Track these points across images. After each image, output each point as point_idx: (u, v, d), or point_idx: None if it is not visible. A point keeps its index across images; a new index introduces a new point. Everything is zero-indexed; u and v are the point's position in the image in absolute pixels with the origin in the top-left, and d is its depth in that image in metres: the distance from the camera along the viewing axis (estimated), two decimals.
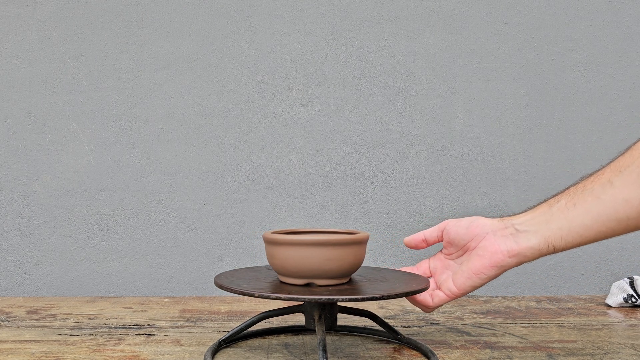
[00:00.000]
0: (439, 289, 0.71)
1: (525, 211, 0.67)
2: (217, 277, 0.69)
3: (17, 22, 1.09)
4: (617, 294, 0.97)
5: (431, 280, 0.73)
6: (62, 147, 1.09)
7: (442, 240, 0.73)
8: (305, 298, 0.59)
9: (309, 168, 1.11)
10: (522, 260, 0.65)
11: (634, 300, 0.96)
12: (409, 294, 0.63)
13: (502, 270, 0.66)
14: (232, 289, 0.63)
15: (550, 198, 0.66)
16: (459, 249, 0.71)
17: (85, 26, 1.10)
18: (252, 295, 0.61)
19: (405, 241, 0.75)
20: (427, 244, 0.74)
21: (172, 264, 1.10)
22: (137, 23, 1.10)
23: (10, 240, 1.09)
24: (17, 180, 1.09)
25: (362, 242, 0.67)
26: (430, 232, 0.73)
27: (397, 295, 0.62)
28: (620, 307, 0.97)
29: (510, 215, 0.68)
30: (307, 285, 0.65)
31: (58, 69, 1.09)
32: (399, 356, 0.69)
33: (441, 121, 1.13)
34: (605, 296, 1.02)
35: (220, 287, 0.65)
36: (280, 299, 0.60)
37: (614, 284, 0.99)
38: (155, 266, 1.10)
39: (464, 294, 0.69)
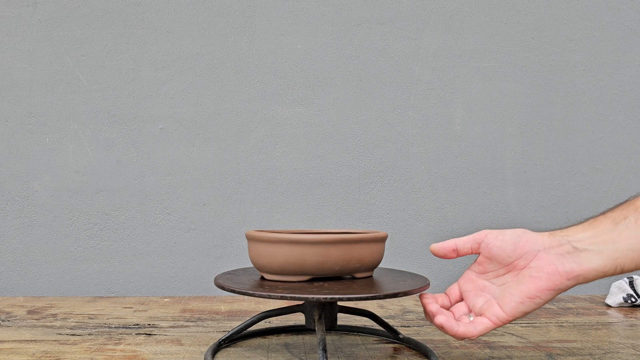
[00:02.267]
0: (481, 315, 0.61)
1: (579, 224, 0.60)
2: (217, 277, 0.69)
3: (18, 22, 1.09)
4: (617, 293, 0.97)
5: (462, 305, 0.65)
6: (63, 147, 1.09)
7: (476, 253, 0.64)
8: (305, 298, 0.59)
9: (309, 168, 1.11)
10: (581, 282, 0.58)
11: (633, 300, 0.96)
12: (409, 294, 0.63)
13: (558, 292, 0.59)
14: (232, 289, 0.63)
15: (611, 211, 0.59)
16: (501, 267, 0.62)
17: (85, 26, 1.10)
18: (252, 295, 0.61)
19: (433, 249, 0.65)
20: (458, 254, 0.64)
21: (172, 264, 1.10)
22: (137, 23, 1.10)
23: (10, 240, 1.09)
24: (17, 180, 1.09)
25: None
26: (464, 242, 0.64)
27: (397, 295, 0.62)
28: (619, 307, 0.97)
29: (562, 229, 0.61)
30: (310, 280, 0.66)
31: (58, 69, 1.09)
32: (399, 356, 0.69)
33: (441, 121, 1.13)
34: (605, 296, 1.02)
35: (221, 287, 0.65)
36: (280, 298, 0.60)
37: (613, 283, 0.99)
38: (155, 266, 1.10)
39: (513, 320, 0.61)
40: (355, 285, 0.65)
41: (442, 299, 0.65)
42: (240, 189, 1.11)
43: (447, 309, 0.65)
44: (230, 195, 1.11)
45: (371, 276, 0.71)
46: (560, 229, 0.61)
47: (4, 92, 1.09)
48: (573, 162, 1.14)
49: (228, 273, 0.73)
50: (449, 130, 1.13)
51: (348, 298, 0.60)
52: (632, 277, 0.98)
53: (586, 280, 0.58)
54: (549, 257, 0.59)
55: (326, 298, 0.59)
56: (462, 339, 0.61)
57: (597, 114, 1.14)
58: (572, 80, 1.14)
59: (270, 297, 0.60)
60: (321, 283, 0.66)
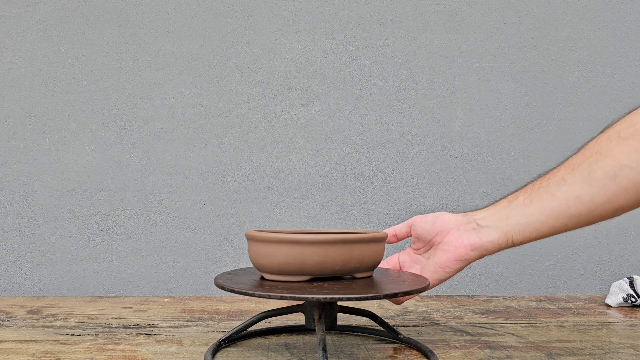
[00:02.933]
0: None
1: (486, 207, 0.71)
2: (217, 277, 0.69)
3: (18, 22, 1.09)
4: (617, 293, 0.97)
5: None
6: (63, 147, 1.09)
7: (410, 236, 0.76)
8: (305, 298, 0.59)
9: (309, 168, 1.11)
10: (484, 254, 0.69)
11: (633, 300, 0.96)
12: (409, 294, 0.63)
13: (466, 263, 0.70)
14: (232, 289, 0.63)
15: (510, 194, 0.70)
16: (426, 244, 0.74)
17: (85, 26, 1.10)
18: (252, 295, 0.61)
19: None
20: (398, 238, 0.77)
21: (172, 264, 1.10)
22: (137, 23, 1.10)
23: (10, 240, 1.09)
24: (17, 180, 1.09)
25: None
26: (400, 228, 0.76)
27: (397, 295, 0.62)
28: (619, 307, 0.97)
29: (473, 211, 0.72)
30: (311, 280, 0.66)
31: (58, 69, 1.09)
32: (399, 356, 0.69)
33: (441, 121, 1.13)
34: (605, 296, 1.02)
35: (221, 287, 0.65)
36: (280, 298, 0.60)
37: (613, 283, 0.99)
38: (155, 266, 1.10)
39: (432, 287, 0.71)
40: (355, 285, 0.65)
41: (382, 264, 0.78)
42: (240, 189, 1.11)
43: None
44: (230, 195, 1.11)
45: (371, 276, 0.71)
46: (472, 210, 0.72)
47: (4, 92, 1.09)
48: None
49: (228, 273, 0.73)
50: (449, 130, 1.13)
51: (348, 298, 0.60)
52: (632, 277, 0.98)
53: (487, 251, 0.69)
54: (457, 233, 0.70)
55: (326, 298, 0.59)
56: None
57: (597, 114, 1.14)
58: (572, 80, 1.14)
59: (270, 297, 0.60)
60: (321, 283, 0.66)
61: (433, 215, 0.74)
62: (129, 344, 0.73)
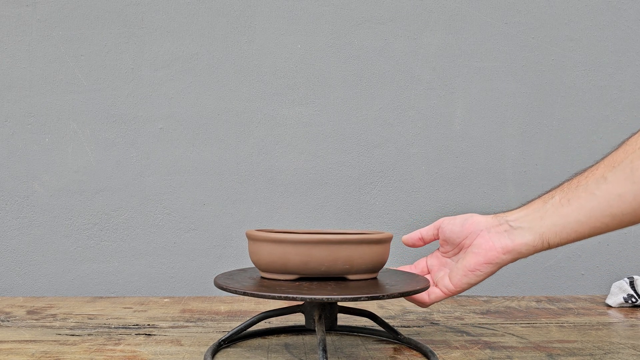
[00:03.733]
0: (436, 286, 0.71)
1: (519, 207, 0.68)
2: (217, 277, 0.69)
3: (17, 22, 1.09)
4: (617, 294, 0.97)
5: (428, 277, 0.74)
6: (62, 147, 1.09)
7: (438, 238, 0.73)
8: (305, 298, 0.59)
9: (309, 168, 1.11)
10: (517, 257, 0.66)
11: (634, 300, 0.96)
12: (409, 294, 0.63)
13: (497, 267, 0.67)
14: (232, 289, 0.63)
15: (544, 194, 0.67)
16: (455, 247, 0.71)
17: (85, 26, 1.10)
18: (252, 295, 0.61)
19: (403, 239, 0.75)
20: (424, 242, 0.74)
21: (172, 264, 1.10)
22: (137, 23, 1.10)
23: (10, 240, 1.09)
24: (17, 180, 1.09)
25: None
26: (427, 230, 0.74)
27: (397, 295, 0.62)
28: (620, 307, 0.97)
29: (505, 212, 0.68)
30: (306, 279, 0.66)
31: (58, 69, 1.09)
32: (399, 356, 0.69)
33: (441, 121, 1.13)
34: (605, 296, 1.02)
35: (220, 287, 0.65)
36: (280, 299, 0.60)
37: (614, 284, 0.99)
38: (155, 266, 1.10)
39: (460, 291, 0.69)
40: (355, 286, 0.65)
41: (406, 268, 0.76)
42: (240, 189, 1.11)
43: None
44: (230, 195, 1.11)
45: (369, 279, 0.69)
46: (503, 211, 0.69)
47: (3, 92, 1.09)
48: (573, 162, 1.14)
49: (228, 273, 0.73)
50: (449, 130, 1.13)
51: (348, 298, 0.60)
52: (632, 278, 0.98)
53: (520, 254, 0.66)
54: (488, 235, 0.67)
55: (326, 298, 0.59)
56: (416, 302, 0.72)
57: (597, 114, 1.14)
58: (572, 80, 1.14)
59: (270, 297, 0.60)
60: (321, 283, 0.66)
61: (462, 216, 0.71)
62: (128, 344, 0.73)
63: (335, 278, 0.67)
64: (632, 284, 0.97)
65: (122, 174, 1.10)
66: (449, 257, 0.73)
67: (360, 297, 0.60)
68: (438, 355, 0.69)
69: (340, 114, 1.12)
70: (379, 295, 0.61)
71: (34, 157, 1.09)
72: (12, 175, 1.09)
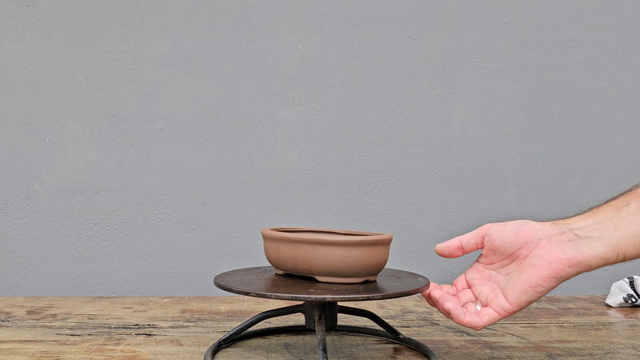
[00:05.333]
0: (487, 305, 0.62)
1: (582, 213, 0.60)
2: (217, 277, 0.69)
3: (17, 22, 1.09)
4: (617, 294, 0.97)
5: (468, 292, 0.65)
6: (62, 147, 1.09)
7: (481, 248, 0.64)
8: (305, 298, 0.59)
9: (309, 168, 1.11)
10: (583, 270, 0.59)
11: (634, 300, 0.96)
12: (409, 294, 0.63)
13: (560, 281, 0.60)
14: (232, 289, 0.63)
15: (614, 200, 0.59)
16: (505, 257, 0.62)
17: (85, 26, 1.10)
18: (252, 295, 0.61)
19: (437, 249, 0.66)
20: (464, 251, 0.65)
21: (172, 264, 1.10)
22: (137, 23, 1.10)
23: (10, 240, 1.09)
24: (17, 180, 1.09)
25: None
26: (468, 239, 0.64)
27: (397, 295, 0.62)
28: (620, 307, 0.97)
29: (565, 219, 0.61)
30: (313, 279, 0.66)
31: (58, 69, 1.09)
32: (399, 356, 0.69)
33: (441, 121, 1.13)
34: (605, 296, 1.02)
35: (221, 287, 0.65)
36: (280, 298, 0.60)
37: (614, 284, 0.99)
38: (155, 266, 1.10)
39: (518, 310, 0.61)
40: (356, 286, 0.65)
41: (448, 288, 0.66)
42: (240, 189, 1.11)
43: (454, 295, 0.65)
44: (230, 195, 1.11)
45: (354, 283, 0.66)
46: (563, 218, 0.61)
47: (3, 92, 1.09)
48: (573, 162, 1.14)
49: (228, 273, 0.73)
50: (449, 130, 1.13)
51: (348, 298, 0.60)
52: (632, 278, 0.98)
53: (589, 267, 0.58)
54: (550, 245, 0.59)
55: (326, 298, 0.59)
56: (468, 327, 0.61)
57: (597, 114, 1.14)
58: (572, 80, 1.14)
59: (269, 297, 0.60)
60: (321, 283, 0.66)
61: (513, 223, 0.62)
62: (128, 344, 0.73)
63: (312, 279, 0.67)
64: (632, 284, 0.97)
65: (122, 174, 1.10)
66: (495, 270, 0.64)
67: (360, 297, 0.60)
68: (438, 355, 0.69)
69: (340, 114, 1.12)
70: (379, 295, 0.61)
71: (34, 157, 1.09)
72: (12, 175, 1.09)
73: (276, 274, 0.72)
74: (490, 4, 1.13)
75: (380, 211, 1.12)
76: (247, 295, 0.61)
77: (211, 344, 0.70)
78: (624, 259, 0.57)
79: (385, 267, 0.79)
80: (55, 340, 0.74)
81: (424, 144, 1.13)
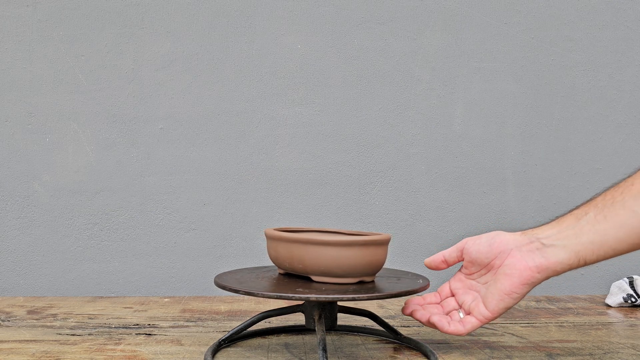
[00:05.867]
0: (469, 313, 0.68)
1: (548, 223, 0.65)
2: (217, 276, 0.69)
3: (17, 22, 1.09)
4: (617, 293, 0.97)
5: (452, 300, 0.71)
6: (63, 147, 1.09)
7: (462, 260, 0.70)
8: (305, 298, 0.59)
9: (309, 168, 1.11)
10: (550, 275, 0.64)
11: (633, 300, 0.96)
12: (408, 294, 0.63)
13: (532, 287, 0.64)
14: (232, 289, 0.63)
15: (575, 209, 0.64)
16: (482, 268, 0.68)
17: (85, 26, 1.10)
18: (253, 295, 0.61)
19: (425, 263, 0.72)
20: (448, 264, 0.71)
21: (172, 264, 1.10)
22: (137, 23, 1.10)
23: (10, 240, 1.09)
24: (17, 180, 1.09)
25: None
26: (450, 253, 0.70)
27: (397, 295, 0.62)
28: (619, 307, 0.97)
29: (533, 228, 0.66)
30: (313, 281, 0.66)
31: (58, 69, 1.09)
32: (399, 356, 0.69)
33: (441, 121, 1.13)
34: (605, 296, 1.02)
35: (221, 286, 0.65)
36: (280, 298, 0.60)
37: (613, 283, 0.99)
38: (155, 266, 1.10)
39: (497, 317, 0.66)
40: (356, 286, 0.65)
41: (431, 297, 0.72)
42: (240, 189, 1.11)
43: (437, 303, 0.71)
44: (230, 195, 1.11)
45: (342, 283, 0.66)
46: (532, 228, 0.66)
47: (3, 92, 1.09)
48: (573, 162, 1.14)
49: (228, 272, 0.73)
50: (449, 130, 1.13)
51: (348, 298, 0.60)
52: (632, 277, 0.98)
53: (555, 272, 0.63)
54: (520, 255, 0.64)
55: (326, 298, 0.59)
56: (453, 335, 0.68)
57: (597, 114, 1.14)
58: (572, 80, 1.14)
59: (270, 297, 0.60)
60: (319, 283, 0.66)
61: (487, 235, 0.67)
62: (129, 344, 0.73)
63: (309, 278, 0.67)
64: (631, 284, 0.97)
65: (122, 174, 1.10)
66: (475, 279, 0.69)
67: (360, 297, 0.60)
68: (438, 355, 0.69)
69: (340, 114, 1.12)
70: (379, 295, 0.61)
71: (34, 157, 1.09)
72: (12, 175, 1.09)
73: (279, 273, 0.72)
74: (490, 4, 1.13)
75: (380, 211, 1.12)
76: (247, 295, 0.61)
77: (211, 344, 0.71)
78: (585, 264, 0.62)
79: (385, 267, 0.80)
80: (55, 340, 0.74)
81: (424, 144, 1.13)
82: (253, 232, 1.10)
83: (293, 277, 0.69)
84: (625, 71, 1.14)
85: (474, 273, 0.69)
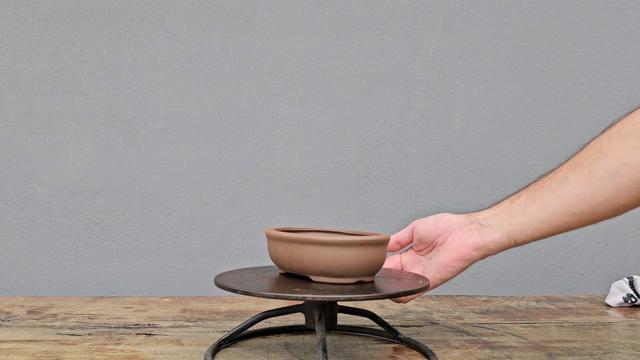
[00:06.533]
0: None
1: (489, 207, 0.72)
2: (217, 276, 0.69)
3: (17, 22, 1.09)
4: (617, 293, 0.97)
5: None
6: (63, 147, 1.09)
7: (412, 240, 0.76)
8: (305, 297, 0.59)
9: (309, 168, 1.11)
10: (486, 254, 0.69)
11: (633, 300, 0.96)
12: (408, 294, 0.63)
13: (468, 263, 0.70)
14: (232, 289, 0.63)
15: (513, 194, 0.71)
16: (428, 245, 0.74)
17: (85, 26, 1.10)
18: (253, 295, 0.61)
19: None
20: (401, 245, 0.77)
21: (172, 264, 1.10)
22: (137, 23, 1.10)
23: (10, 240, 1.09)
24: (17, 180, 1.09)
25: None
26: (402, 234, 0.76)
27: (397, 295, 0.62)
28: (619, 307, 0.97)
29: (476, 212, 0.72)
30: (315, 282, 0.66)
31: (58, 69, 1.09)
32: (399, 356, 0.69)
33: (441, 121, 1.13)
34: (605, 296, 1.02)
35: (221, 286, 0.65)
36: (280, 298, 0.60)
37: (613, 283, 0.99)
38: (155, 266, 1.10)
39: (435, 287, 0.72)
40: (355, 286, 0.65)
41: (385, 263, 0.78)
42: (240, 189, 1.11)
43: None
44: (230, 195, 1.11)
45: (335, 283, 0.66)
46: (474, 211, 0.72)
47: (3, 92, 1.09)
48: None
49: (228, 272, 0.73)
50: (449, 130, 1.13)
51: (348, 298, 0.60)
52: (632, 277, 0.98)
53: (490, 251, 0.69)
54: (460, 233, 0.70)
55: (326, 298, 0.59)
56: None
57: (597, 114, 1.14)
58: (572, 80, 1.14)
59: (269, 297, 0.60)
60: (319, 283, 0.66)
61: (434, 216, 0.74)
62: (129, 344, 0.73)
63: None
64: (631, 284, 0.97)
65: (122, 174, 1.10)
66: (423, 255, 0.76)
67: (360, 297, 0.60)
68: (438, 355, 0.69)
69: (340, 114, 1.12)
70: (379, 295, 0.61)
71: (34, 157, 1.09)
72: (12, 175, 1.09)
73: (279, 273, 0.72)
74: (490, 4, 1.13)
75: (380, 211, 1.12)
76: (247, 295, 0.61)
77: (211, 344, 0.71)
78: (516, 244, 0.68)
79: (385, 267, 0.79)
80: (55, 340, 0.74)
81: (424, 144, 1.13)
82: (253, 232, 1.10)
83: (293, 277, 0.69)
84: (625, 71, 1.14)
85: (422, 250, 0.75)
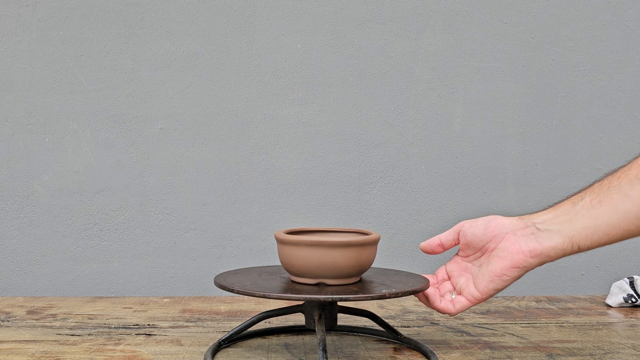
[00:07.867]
0: (460, 293, 0.69)
1: (546, 209, 0.65)
2: (217, 277, 0.69)
3: (17, 22, 1.09)
4: (617, 294, 0.97)
5: (447, 283, 0.71)
6: (62, 147, 1.09)
7: (458, 243, 0.70)
8: (305, 298, 0.59)
9: (309, 168, 1.11)
10: (545, 260, 0.63)
11: (634, 300, 0.96)
12: (408, 294, 0.63)
13: (524, 271, 0.64)
14: (232, 289, 0.63)
15: (573, 195, 0.64)
16: (477, 251, 0.68)
17: (85, 26, 1.10)
18: (253, 295, 0.61)
19: (421, 246, 0.72)
20: (444, 248, 0.71)
21: (172, 264, 1.10)
22: (137, 23, 1.10)
23: (10, 240, 1.09)
24: (17, 180, 1.09)
25: (373, 243, 0.67)
26: (447, 236, 0.70)
27: (397, 295, 0.62)
28: (620, 307, 0.97)
29: (530, 214, 0.66)
30: (318, 284, 0.65)
31: (58, 69, 1.09)
32: (399, 356, 0.69)
33: (441, 121, 1.13)
34: (605, 296, 1.02)
35: (221, 287, 0.65)
36: (280, 298, 0.60)
37: (614, 284, 0.99)
38: (155, 266, 1.10)
39: (487, 298, 0.67)
40: (356, 286, 0.65)
41: (429, 277, 0.72)
42: (240, 189, 1.11)
43: (434, 285, 0.72)
44: (230, 195, 1.11)
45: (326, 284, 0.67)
46: (529, 214, 0.66)
47: (3, 92, 1.09)
48: (573, 162, 1.14)
49: (228, 272, 0.73)
50: (449, 130, 1.13)
51: (348, 298, 0.60)
52: (632, 278, 0.98)
53: (549, 257, 0.63)
54: (514, 238, 0.64)
55: (326, 298, 0.59)
56: (442, 313, 0.69)
57: (597, 114, 1.14)
58: (572, 80, 1.14)
59: (269, 297, 0.60)
60: (320, 284, 0.66)
61: (484, 219, 0.68)
62: (128, 344, 0.73)
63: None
64: (632, 284, 0.97)
65: (122, 174, 1.10)
66: (470, 262, 0.70)
67: (360, 297, 0.60)
68: (438, 355, 0.69)
69: (340, 114, 1.12)
70: (379, 295, 0.61)
71: (34, 157, 1.09)
72: (12, 175, 1.09)
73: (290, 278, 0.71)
74: (490, 4, 1.13)
75: (380, 211, 1.12)
76: (247, 295, 0.61)
77: (211, 344, 0.70)
78: (579, 250, 0.62)
79: (385, 267, 0.79)
80: (55, 340, 0.74)
81: (424, 144, 1.13)
82: (253, 232, 1.10)
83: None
84: (625, 71, 1.14)
85: (469, 255, 0.70)
